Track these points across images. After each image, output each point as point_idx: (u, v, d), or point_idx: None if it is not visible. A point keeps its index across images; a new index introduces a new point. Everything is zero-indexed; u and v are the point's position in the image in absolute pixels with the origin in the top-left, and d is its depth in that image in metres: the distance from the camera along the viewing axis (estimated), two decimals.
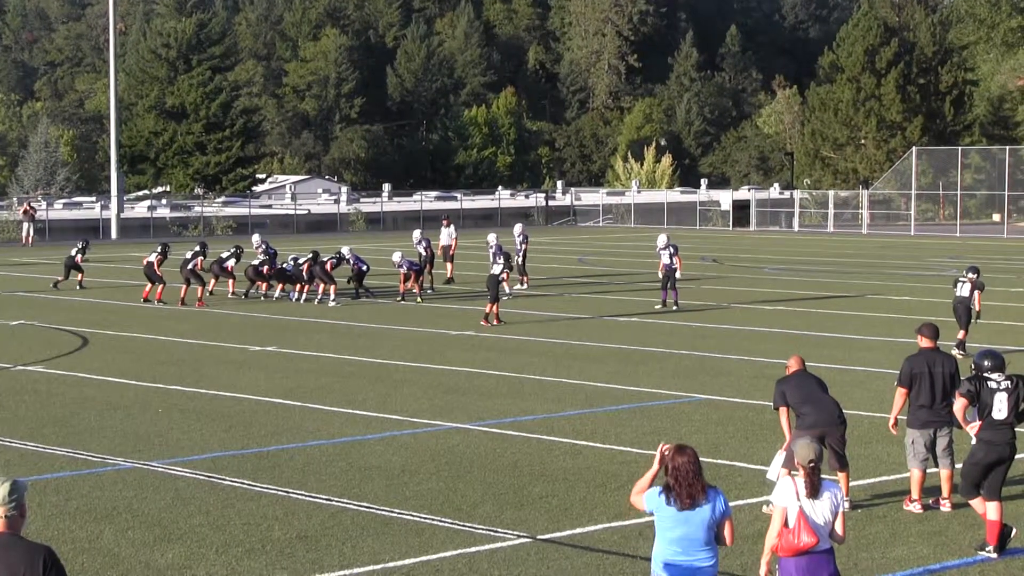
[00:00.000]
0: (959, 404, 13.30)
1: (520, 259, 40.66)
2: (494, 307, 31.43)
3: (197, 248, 37.27)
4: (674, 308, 34.11)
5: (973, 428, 13.23)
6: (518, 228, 42.30)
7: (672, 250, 34.43)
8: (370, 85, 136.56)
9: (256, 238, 39.52)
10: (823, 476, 9.64)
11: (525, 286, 39.56)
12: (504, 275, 32.20)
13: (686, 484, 8.83)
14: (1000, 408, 13.04)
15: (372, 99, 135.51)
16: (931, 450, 14.53)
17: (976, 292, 25.82)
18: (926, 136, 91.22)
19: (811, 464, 9.36)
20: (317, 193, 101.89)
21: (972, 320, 26.02)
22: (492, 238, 39.00)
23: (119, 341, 28.82)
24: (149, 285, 36.98)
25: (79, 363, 25.55)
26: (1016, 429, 13.33)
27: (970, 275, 26.08)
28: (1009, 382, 13.12)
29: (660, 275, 35.02)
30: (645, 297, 37.93)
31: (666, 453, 8.97)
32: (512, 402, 21.07)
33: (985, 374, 13.18)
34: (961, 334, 25.75)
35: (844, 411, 14.57)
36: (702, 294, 38.38)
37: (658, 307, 34.44)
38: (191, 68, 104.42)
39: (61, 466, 16.66)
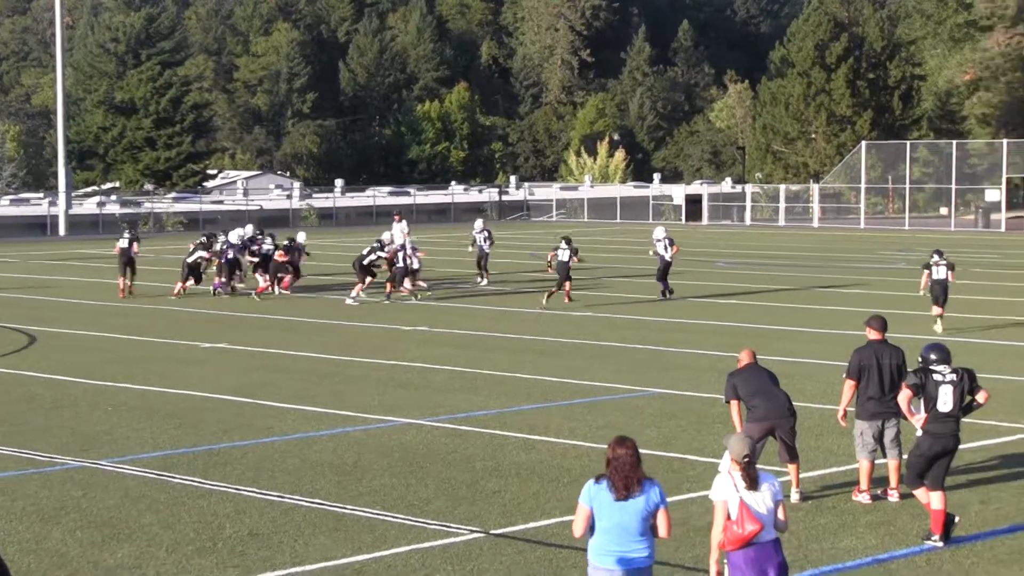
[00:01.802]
0: (903, 395, 13.39)
1: (484, 255, 40.12)
2: (565, 287, 33.98)
3: (202, 239, 37.66)
4: (668, 296, 35.64)
5: (919, 420, 13.32)
6: (479, 224, 41.37)
7: (667, 242, 35.83)
8: (322, 80, 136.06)
9: (250, 228, 39.32)
10: (761, 467, 9.70)
11: (485, 281, 39.39)
12: (575, 259, 34.49)
13: (623, 475, 8.94)
14: (945, 401, 13.13)
15: (324, 94, 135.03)
16: (879, 441, 14.64)
17: (950, 272, 29.05)
18: (875, 130, 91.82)
19: (745, 459, 9.42)
20: (269, 189, 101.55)
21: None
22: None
23: (67, 339, 28.61)
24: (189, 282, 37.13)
25: (26, 361, 25.34)
26: (961, 421, 13.42)
27: (935, 258, 29.12)
28: (955, 375, 13.20)
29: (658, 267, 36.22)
30: (599, 291, 38.00)
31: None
32: (465, 397, 21.06)
33: (931, 367, 13.25)
34: (938, 310, 28.77)
35: (794, 403, 14.65)
36: (655, 288, 38.45)
37: (669, 296, 35.66)
38: (140, 63, 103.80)
39: (7, 466, 16.51)
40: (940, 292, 28.83)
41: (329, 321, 31.53)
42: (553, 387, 21.97)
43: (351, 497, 14.82)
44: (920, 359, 13.41)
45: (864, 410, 14.61)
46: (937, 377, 13.17)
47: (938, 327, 28.27)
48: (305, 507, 14.45)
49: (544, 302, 33.52)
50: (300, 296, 37.31)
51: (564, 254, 34.24)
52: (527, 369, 23.78)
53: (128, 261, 36.78)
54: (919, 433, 13.36)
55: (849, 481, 15.22)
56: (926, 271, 29.25)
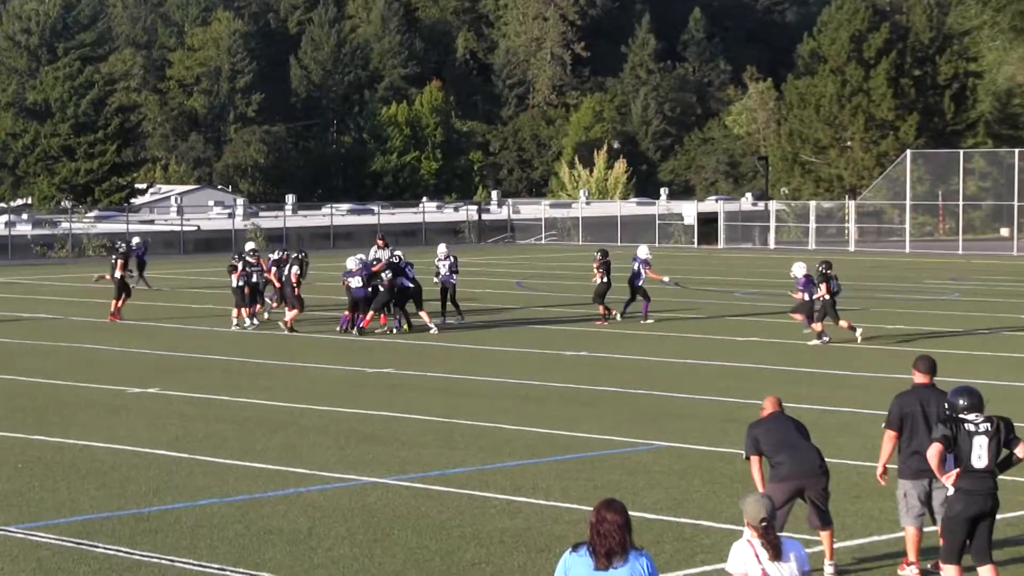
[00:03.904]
0: (933, 451, 13.25)
1: (451, 286, 39.59)
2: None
3: (296, 254, 38.83)
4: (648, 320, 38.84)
5: (950, 478, 13.24)
6: (443, 250, 40.92)
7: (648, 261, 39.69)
8: (270, 78, 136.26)
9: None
10: (787, 535, 9.75)
11: (456, 319, 39.01)
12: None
13: (607, 543, 9.04)
14: (980, 455, 13.01)
15: (273, 95, 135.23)
16: (927, 504, 14.60)
17: (824, 284, 33.88)
18: (922, 137, 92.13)
19: (763, 523, 9.49)
20: (208, 206, 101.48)
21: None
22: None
23: None
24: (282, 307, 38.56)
25: None
26: (999, 478, 13.33)
27: (823, 269, 34.31)
28: (989, 424, 13.07)
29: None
30: (596, 328, 38.01)
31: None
32: (439, 452, 21.08)
33: (961, 415, 13.19)
34: (844, 323, 34.08)
35: (827, 460, 14.67)
36: (662, 324, 38.52)
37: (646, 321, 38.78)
38: (57, 58, 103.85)
39: None
40: (832, 307, 34.04)
41: (280, 362, 31.52)
42: (541, 440, 22.00)
43: (305, 570, 14.83)
44: (947, 406, 13.35)
45: (907, 467, 14.57)
46: (969, 427, 13.05)
47: (817, 342, 33.90)
48: None
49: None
50: (243, 331, 37.31)
51: (599, 277, 38.86)
52: (511, 419, 23.81)
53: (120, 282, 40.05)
54: (950, 492, 13.32)
55: (894, 552, 15.25)
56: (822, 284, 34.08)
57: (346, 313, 36.87)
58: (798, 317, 35.18)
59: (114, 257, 41.29)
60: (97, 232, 78.64)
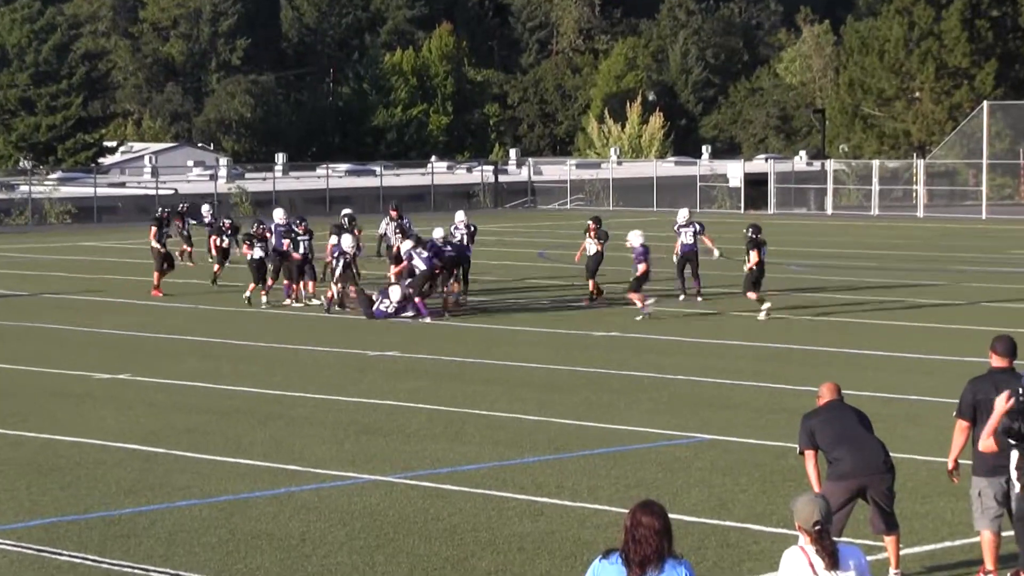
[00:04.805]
0: (987, 444, 13.20)
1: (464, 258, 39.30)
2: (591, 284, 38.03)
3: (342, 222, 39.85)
4: (698, 299, 38.28)
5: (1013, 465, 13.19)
6: (461, 216, 40.71)
7: (697, 228, 39.06)
8: (257, 21, 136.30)
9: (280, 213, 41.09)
10: (846, 541, 9.73)
11: (464, 297, 38.87)
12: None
13: (642, 549, 9.03)
14: None
15: (260, 40, 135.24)
16: (1005, 504, 14.55)
17: (754, 251, 34.56)
18: (1001, 87, 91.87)
19: (817, 528, 9.49)
20: (187, 166, 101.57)
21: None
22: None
23: None
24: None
25: None
26: None
27: (752, 234, 34.85)
28: None
29: (675, 259, 39.46)
30: (628, 305, 38.02)
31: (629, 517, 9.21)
32: (450, 446, 21.10)
33: None
34: (753, 296, 34.70)
35: (893, 455, 14.64)
36: (704, 302, 38.49)
37: (682, 297, 38.44)
38: None
39: None
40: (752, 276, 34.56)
41: (269, 344, 31.57)
42: (566, 432, 22.02)
43: None
44: (1021, 392, 13.21)
45: (982, 462, 14.48)
46: None
47: (763, 317, 34.42)
48: None
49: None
50: (238, 310, 37.38)
51: (592, 246, 37.85)
52: (531, 409, 23.82)
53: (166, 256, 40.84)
54: (1017, 489, 13.25)
55: (968, 560, 15.24)
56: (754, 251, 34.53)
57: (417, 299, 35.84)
58: (636, 296, 35.12)
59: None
60: (60, 196, 78.65)
